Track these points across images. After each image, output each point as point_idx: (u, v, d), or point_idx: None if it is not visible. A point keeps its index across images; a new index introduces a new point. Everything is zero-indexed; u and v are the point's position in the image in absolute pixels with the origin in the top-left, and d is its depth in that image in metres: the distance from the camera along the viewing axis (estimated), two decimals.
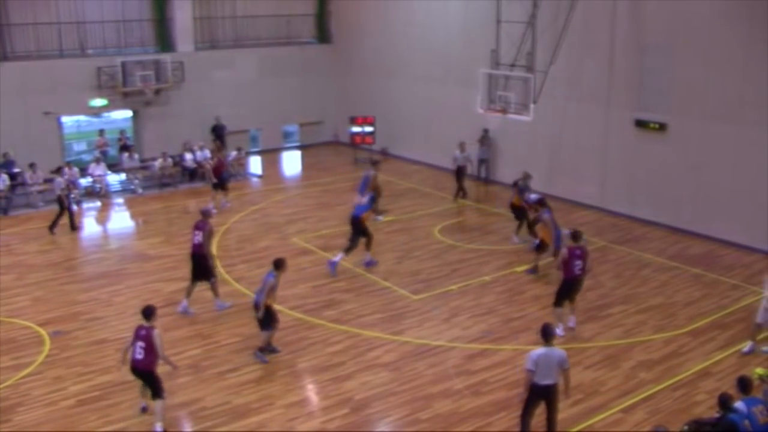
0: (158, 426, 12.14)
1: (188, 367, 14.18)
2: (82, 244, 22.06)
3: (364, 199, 19.93)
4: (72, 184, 25.26)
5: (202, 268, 16.61)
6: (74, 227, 22.50)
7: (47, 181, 25.36)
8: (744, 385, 10.43)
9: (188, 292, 16.68)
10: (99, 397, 13.12)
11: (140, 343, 11.99)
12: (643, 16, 22.14)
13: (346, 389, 13.41)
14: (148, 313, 12.25)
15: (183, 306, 16.65)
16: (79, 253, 21.06)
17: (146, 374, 12.17)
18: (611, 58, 23.06)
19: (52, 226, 22.15)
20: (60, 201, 22.45)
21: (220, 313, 16.55)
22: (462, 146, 25.51)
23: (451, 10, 28.11)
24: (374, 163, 22.41)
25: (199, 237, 16.46)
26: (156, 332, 12.07)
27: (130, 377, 13.53)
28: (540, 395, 11.29)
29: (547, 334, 11.25)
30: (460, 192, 25.26)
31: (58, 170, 23.68)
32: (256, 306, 14.48)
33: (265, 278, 14.58)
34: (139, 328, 12.18)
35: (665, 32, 21.65)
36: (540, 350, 11.15)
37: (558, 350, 11.29)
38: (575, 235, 15.52)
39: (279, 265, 14.71)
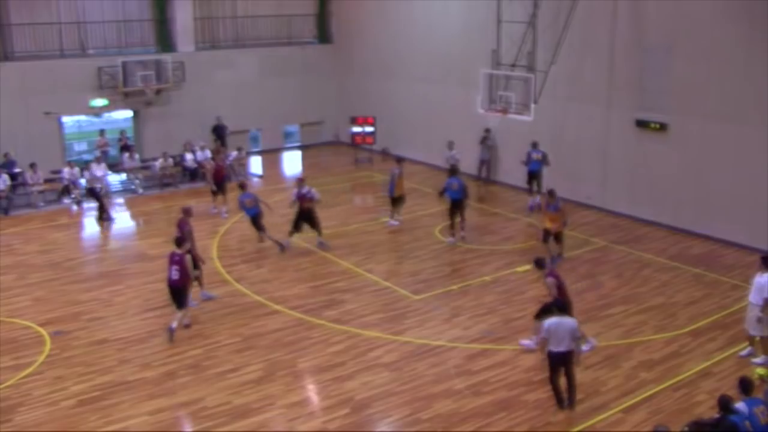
0: (173, 323, 15.30)
1: (189, 367, 14.20)
2: (82, 244, 22.11)
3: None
4: (73, 184, 25.40)
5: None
6: (107, 218, 23.85)
7: (48, 181, 25.49)
8: (745, 385, 10.43)
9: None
10: (100, 397, 13.13)
11: (175, 267, 15.29)
12: (643, 15, 22.14)
13: (346, 389, 13.41)
14: (180, 241, 15.69)
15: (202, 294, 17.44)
16: (80, 253, 21.06)
17: (179, 290, 15.41)
18: (612, 57, 23.06)
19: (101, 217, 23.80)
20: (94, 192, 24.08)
21: (223, 313, 16.59)
22: (450, 145, 25.79)
23: (452, 10, 28.12)
24: (399, 161, 23.34)
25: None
26: (187, 257, 15.46)
27: (131, 377, 13.66)
28: (558, 362, 12.33)
29: (559, 308, 12.44)
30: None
31: (98, 159, 25.86)
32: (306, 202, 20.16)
33: (304, 193, 20.27)
34: (173, 254, 15.41)
35: (666, 32, 21.65)
36: (553, 319, 12.21)
37: (569, 320, 12.27)
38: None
39: (303, 179, 20.76)
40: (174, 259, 15.36)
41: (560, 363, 12.33)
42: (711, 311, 16.70)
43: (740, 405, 10.08)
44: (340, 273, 18.97)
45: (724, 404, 10.00)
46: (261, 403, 12.94)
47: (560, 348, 12.14)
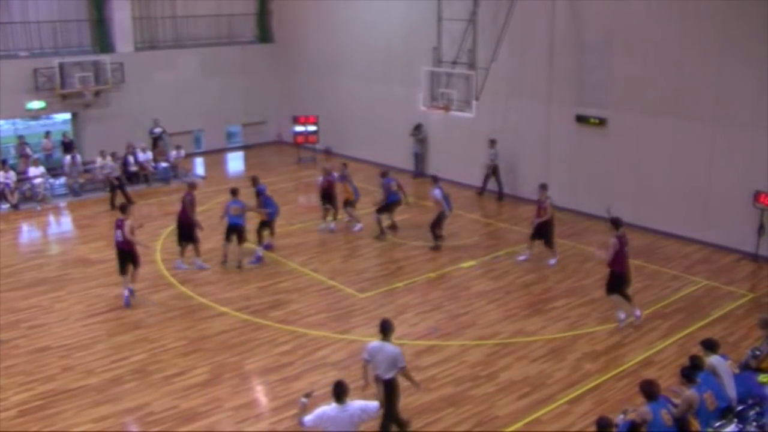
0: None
1: (134, 372, 14.01)
2: (21, 250, 21.63)
3: None
4: (7, 188, 24.82)
5: (186, 233, 19.01)
6: (130, 202, 23.33)
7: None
8: (649, 391, 10.04)
9: (181, 253, 19.19)
10: (42, 407, 12.86)
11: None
12: (581, 13, 22.47)
13: (294, 389, 13.34)
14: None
15: (179, 264, 19.16)
16: (19, 259, 20.57)
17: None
18: (551, 54, 23.35)
19: (113, 204, 24.21)
20: (111, 183, 25.18)
21: (167, 316, 16.41)
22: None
23: (393, 8, 28.15)
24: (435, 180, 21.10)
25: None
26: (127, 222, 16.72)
27: (75, 385, 13.39)
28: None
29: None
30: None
31: (113, 155, 26.20)
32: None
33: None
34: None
35: (603, 29, 22.00)
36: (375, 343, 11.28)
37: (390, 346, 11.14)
38: (616, 222, 15.69)
39: (235, 191, 19.38)
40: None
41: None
42: (652, 301, 17.03)
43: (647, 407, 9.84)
44: (286, 273, 18.90)
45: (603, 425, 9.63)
46: (208, 407, 12.83)
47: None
